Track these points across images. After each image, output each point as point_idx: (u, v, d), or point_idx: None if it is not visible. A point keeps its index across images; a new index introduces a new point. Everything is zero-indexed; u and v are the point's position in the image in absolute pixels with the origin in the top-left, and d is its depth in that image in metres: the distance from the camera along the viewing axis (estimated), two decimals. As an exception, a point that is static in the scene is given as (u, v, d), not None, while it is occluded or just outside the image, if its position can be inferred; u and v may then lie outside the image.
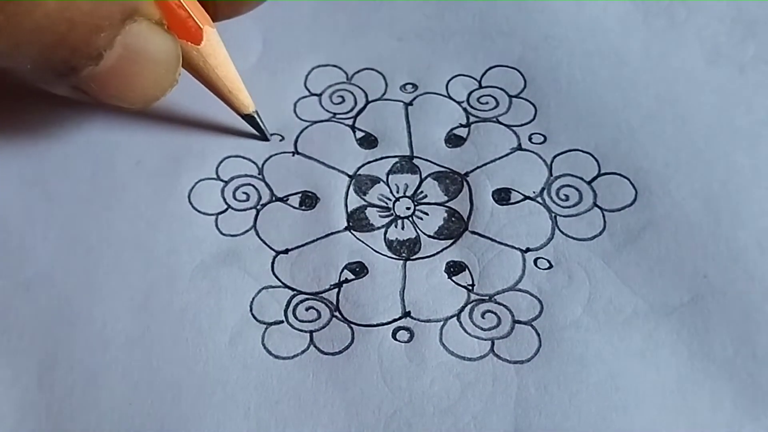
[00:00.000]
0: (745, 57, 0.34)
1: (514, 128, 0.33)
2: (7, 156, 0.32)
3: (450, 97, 0.34)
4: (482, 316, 0.29)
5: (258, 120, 0.32)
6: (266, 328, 0.29)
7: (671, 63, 0.34)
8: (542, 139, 0.32)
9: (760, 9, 0.34)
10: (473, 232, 0.31)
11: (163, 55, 0.28)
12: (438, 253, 0.30)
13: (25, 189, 0.32)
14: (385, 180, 0.32)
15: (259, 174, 0.32)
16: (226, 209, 0.31)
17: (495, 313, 0.29)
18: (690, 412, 0.27)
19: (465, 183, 0.32)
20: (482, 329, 0.29)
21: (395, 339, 0.29)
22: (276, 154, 0.32)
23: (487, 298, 0.29)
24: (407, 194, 0.32)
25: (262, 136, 0.32)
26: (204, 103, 0.32)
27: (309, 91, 0.34)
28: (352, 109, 0.33)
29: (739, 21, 0.34)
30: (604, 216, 0.31)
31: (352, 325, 0.29)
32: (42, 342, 0.29)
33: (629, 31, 0.34)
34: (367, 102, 0.34)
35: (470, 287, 0.29)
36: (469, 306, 0.29)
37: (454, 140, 0.33)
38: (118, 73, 0.27)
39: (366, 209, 0.31)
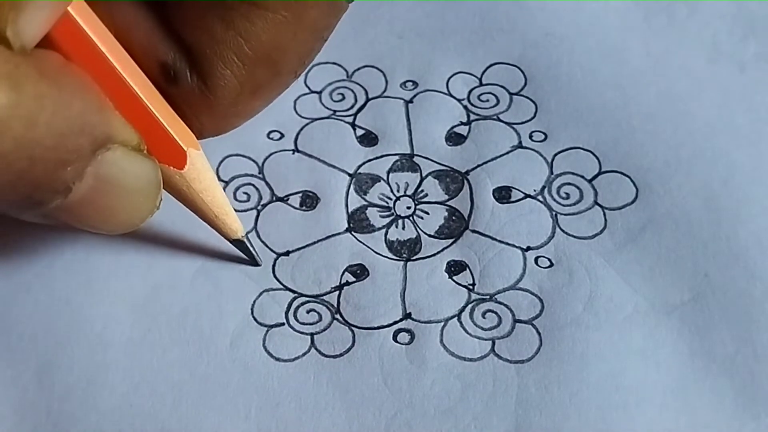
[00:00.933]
0: (745, 55, 0.33)
1: (515, 126, 0.33)
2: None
3: (450, 95, 0.33)
4: (483, 315, 0.29)
5: (248, 245, 0.30)
6: (267, 331, 0.29)
7: (672, 61, 0.34)
8: (543, 137, 0.32)
9: (761, 7, 0.34)
10: (474, 231, 0.31)
11: (142, 182, 0.25)
12: (438, 252, 0.30)
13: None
14: (385, 178, 0.32)
15: (259, 173, 0.32)
16: (227, 211, 0.31)
17: (496, 313, 0.29)
18: (691, 411, 0.27)
19: (465, 181, 0.32)
20: (483, 329, 0.29)
21: (396, 341, 0.29)
22: (276, 152, 0.32)
23: (488, 297, 0.29)
24: (408, 193, 0.31)
25: (252, 262, 0.30)
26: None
27: (309, 88, 0.34)
28: (352, 107, 0.33)
29: (740, 19, 0.34)
30: (604, 214, 0.31)
31: (353, 328, 0.29)
32: (42, 342, 0.29)
33: (630, 29, 0.34)
34: (368, 99, 0.34)
35: (471, 287, 0.29)
36: (470, 306, 0.29)
37: (454, 138, 0.32)
38: (91, 203, 0.24)
39: (366, 209, 0.31)
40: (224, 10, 0.26)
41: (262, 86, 0.27)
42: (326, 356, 0.28)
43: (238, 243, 0.29)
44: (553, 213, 0.31)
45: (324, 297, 0.29)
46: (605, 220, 0.31)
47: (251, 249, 0.30)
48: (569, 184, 0.31)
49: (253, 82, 0.27)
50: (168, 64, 0.26)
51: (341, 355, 0.28)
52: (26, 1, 0.21)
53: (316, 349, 0.28)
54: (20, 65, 0.21)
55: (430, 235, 0.31)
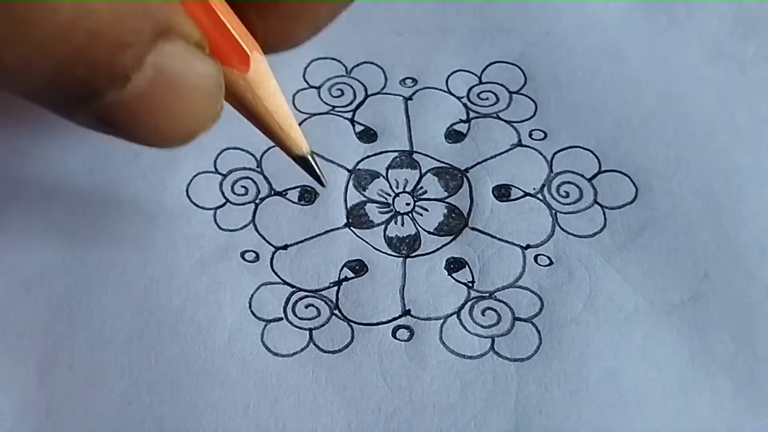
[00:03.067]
0: (745, 55, 0.34)
1: (515, 124, 0.33)
2: (5, 153, 0.32)
3: (450, 93, 0.33)
4: (482, 313, 0.29)
5: (313, 162, 0.27)
6: (265, 326, 0.29)
7: (672, 61, 0.34)
8: (543, 135, 0.32)
9: (761, 7, 0.34)
10: (473, 229, 0.30)
11: (203, 81, 0.23)
12: (438, 249, 0.30)
13: (23, 186, 0.31)
14: (384, 175, 0.32)
15: (257, 167, 0.32)
16: (225, 203, 0.31)
17: (495, 311, 0.29)
18: (690, 411, 0.27)
19: (465, 179, 0.31)
20: (482, 327, 0.29)
21: (395, 338, 0.28)
22: (274, 146, 0.32)
23: (488, 295, 0.29)
24: (407, 190, 0.31)
25: (317, 180, 0.28)
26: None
27: (308, 83, 0.34)
28: (351, 103, 0.33)
29: (740, 19, 0.34)
30: (604, 213, 0.31)
31: (352, 324, 0.29)
32: (42, 341, 0.29)
33: (630, 28, 0.34)
34: (367, 95, 0.33)
35: (470, 284, 0.29)
36: (470, 303, 0.29)
37: (454, 136, 0.32)
38: (149, 101, 0.23)
39: (365, 205, 0.31)
40: None
41: None
42: (325, 352, 0.28)
43: (301, 160, 0.27)
44: (553, 211, 0.31)
45: (323, 292, 0.29)
46: (605, 219, 0.31)
47: (316, 167, 0.27)
48: (569, 182, 0.31)
49: None
50: None
51: (340, 350, 0.28)
52: None
53: (314, 344, 0.28)
54: None
55: (429, 232, 0.30)
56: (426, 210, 0.31)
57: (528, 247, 0.30)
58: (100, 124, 0.24)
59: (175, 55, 0.22)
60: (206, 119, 0.24)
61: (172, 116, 0.23)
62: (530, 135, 0.32)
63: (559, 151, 0.32)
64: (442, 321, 0.29)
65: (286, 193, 0.31)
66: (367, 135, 0.33)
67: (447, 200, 0.31)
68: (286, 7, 0.26)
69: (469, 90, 0.33)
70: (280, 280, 0.30)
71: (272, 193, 0.31)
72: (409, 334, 0.28)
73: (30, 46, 0.21)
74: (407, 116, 0.33)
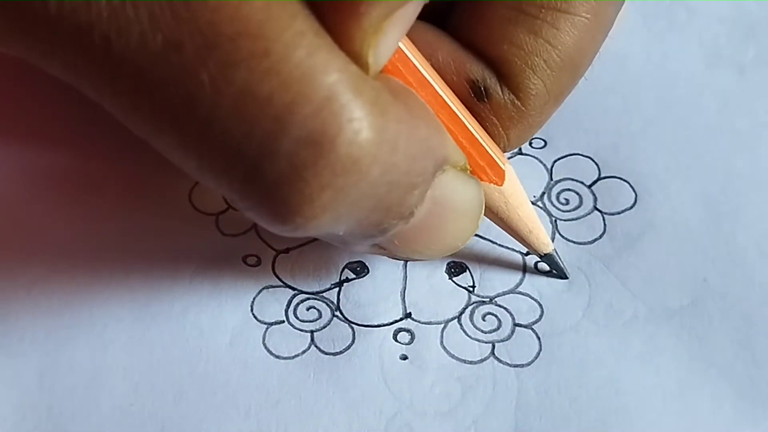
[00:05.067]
0: (745, 59, 0.34)
1: (515, 132, 0.33)
2: (6, 156, 0.32)
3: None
4: (483, 318, 0.29)
5: (557, 258, 0.29)
6: (267, 328, 0.29)
7: (671, 65, 0.34)
8: (542, 143, 0.32)
9: (761, 11, 0.34)
10: (474, 234, 0.30)
11: (470, 203, 0.25)
12: (439, 253, 0.30)
13: (24, 188, 0.31)
14: (386, 180, 0.32)
15: (259, 173, 0.32)
16: (227, 209, 0.31)
17: (495, 316, 0.29)
18: (690, 416, 0.27)
19: (466, 185, 0.31)
20: (483, 332, 0.29)
21: (396, 341, 0.28)
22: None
23: (488, 300, 0.29)
24: (408, 195, 0.31)
25: (561, 274, 0.30)
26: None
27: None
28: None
29: (740, 23, 0.34)
30: (604, 219, 0.31)
31: (353, 325, 0.29)
32: (42, 343, 0.29)
33: (629, 33, 0.34)
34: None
35: (471, 288, 0.29)
36: (470, 308, 0.29)
37: (454, 143, 0.32)
38: (424, 228, 0.24)
39: (367, 209, 0.31)
40: (531, 19, 0.26)
41: (564, 91, 0.27)
42: (326, 354, 0.28)
43: (547, 257, 0.29)
44: (553, 219, 0.31)
45: (324, 294, 0.29)
46: (604, 225, 0.30)
47: (560, 262, 0.29)
48: (569, 189, 0.31)
49: (558, 88, 0.27)
50: (477, 81, 0.26)
51: (341, 352, 0.28)
52: (388, 23, 0.20)
53: (316, 346, 0.28)
54: (381, 91, 0.20)
55: (430, 237, 0.31)
56: (427, 214, 0.31)
57: (528, 253, 0.30)
58: (375, 251, 0.25)
59: (448, 184, 0.23)
60: (467, 235, 0.25)
61: (440, 238, 0.25)
62: (530, 144, 0.32)
63: (558, 158, 0.32)
64: (442, 325, 0.29)
65: (288, 198, 0.31)
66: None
67: (448, 206, 0.31)
68: (529, 116, 0.27)
69: (470, 98, 0.34)
70: (281, 284, 0.30)
71: (274, 197, 0.31)
72: (410, 337, 0.28)
73: (343, 207, 0.21)
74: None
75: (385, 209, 0.22)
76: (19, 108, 0.33)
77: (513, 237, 0.28)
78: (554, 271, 0.30)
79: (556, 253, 0.29)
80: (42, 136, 0.32)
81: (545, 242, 0.29)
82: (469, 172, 0.25)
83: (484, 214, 0.26)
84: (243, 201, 0.21)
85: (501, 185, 0.27)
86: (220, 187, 0.21)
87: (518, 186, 0.27)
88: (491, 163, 0.26)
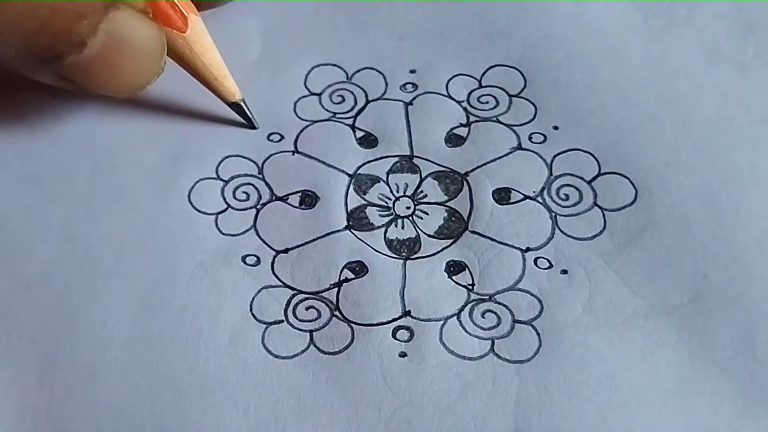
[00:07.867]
0: (745, 57, 0.34)
1: (514, 128, 0.33)
2: (6, 155, 0.32)
3: (450, 97, 0.34)
4: (482, 315, 0.29)
5: (245, 107, 0.32)
6: (266, 328, 0.29)
7: (671, 63, 0.34)
8: (542, 138, 0.32)
9: (761, 8, 0.34)
10: (473, 232, 0.31)
11: (148, 43, 0.28)
12: (438, 252, 0.30)
13: (24, 188, 0.32)
14: (385, 179, 0.32)
15: (259, 173, 0.32)
16: (226, 209, 0.31)
17: (495, 313, 0.29)
18: (690, 412, 0.27)
19: (465, 182, 0.32)
20: (482, 329, 0.29)
21: (395, 338, 0.28)
22: (276, 154, 0.32)
23: (487, 297, 0.29)
24: (407, 194, 0.31)
25: (249, 125, 0.33)
26: (204, 101, 0.32)
27: (309, 90, 0.34)
28: (352, 109, 0.33)
29: (740, 20, 0.34)
30: (604, 215, 0.31)
31: (352, 325, 0.29)
32: (42, 342, 0.29)
33: (629, 30, 0.34)
34: (367, 101, 0.34)
35: (470, 287, 0.29)
36: (469, 305, 0.29)
37: (454, 140, 0.33)
38: (103, 61, 0.28)
39: (366, 208, 0.31)
40: None
41: None
42: (325, 353, 0.28)
43: (235, 106, 0.32)
44: (553, 214, 0.31)
45: (323, 294, 0.29)
46: (605, 221, 0.31)
47: (248, 111, 0.32)
48: (569, 185, 0.31)
49: None
50: None
51: (340, 352, 0.28)
52: None
53: (315, 346, 0.28)
54: None
55: (429, 235, 0.31)
56: (426, 213, 0.31)
57: (528, 249, 0.30)
58: (61, 80, 0.28)
59: (124, 21, 0.28)
60: (151, 74, 0.30)
61: (122, 73, 0.29)
62: (530, 138, 0.32)
63: (558, 153, 0.32)
64: (442, 322, 0.29)
65: (287, 198, 0.31)
66: (368, 141, 0.33)
67: (447, 204, 0.31)
68: None
69: (469, 94, 0.34)
70: (280, 283, 0.30)
71: (273, 198, 0.31)
72: (409, 334, 0.29)
73: (3, 22, 0.25)
74: (407, 121, 0.33)
75: (53, 34, 0.26)
76: (18, 107, 0.33)
77: (203, 85, 0.31)
78: (243, 121, 0.32)
79: (244, 102, 0.32)
80: (42, 137, 0.33)
81: (232, 90, 0.32)
82: (150, 15, 0.29)
83: (174, 60, 0.30)
84: None
85: (185, 32, 0.30)
86: None
87: (203, 35, 0.31)
88: (174, 11, 0.30)
